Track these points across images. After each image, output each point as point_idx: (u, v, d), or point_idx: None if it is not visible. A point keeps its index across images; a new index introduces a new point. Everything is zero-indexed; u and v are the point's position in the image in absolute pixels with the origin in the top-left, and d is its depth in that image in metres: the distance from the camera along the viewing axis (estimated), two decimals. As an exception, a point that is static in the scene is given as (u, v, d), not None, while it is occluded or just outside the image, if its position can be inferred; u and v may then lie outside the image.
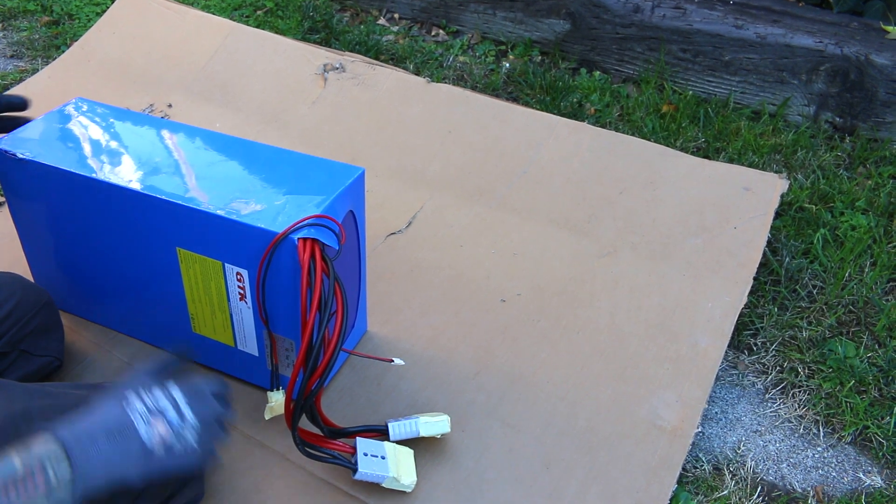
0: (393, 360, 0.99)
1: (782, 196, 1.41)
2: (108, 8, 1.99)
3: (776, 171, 1.53)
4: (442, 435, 1.01)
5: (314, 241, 0.88)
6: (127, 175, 0.98)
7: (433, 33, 2.10)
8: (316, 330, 0.86)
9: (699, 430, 1.09)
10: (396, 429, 0.98)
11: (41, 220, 1.08)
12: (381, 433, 0.98)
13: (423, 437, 0.99)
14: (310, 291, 0.86)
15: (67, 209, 1.03)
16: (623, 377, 1.12)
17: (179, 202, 0.94)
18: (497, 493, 0.97)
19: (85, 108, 1.12)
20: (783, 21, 1.72)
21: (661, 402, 1.08)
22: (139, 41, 1.85)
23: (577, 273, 1.28)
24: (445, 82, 1.71)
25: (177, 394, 0.68)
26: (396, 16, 2.18)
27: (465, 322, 1.20)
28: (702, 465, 1.06)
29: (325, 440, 0.94)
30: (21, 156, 1.00)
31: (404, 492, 0.96)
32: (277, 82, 1.72)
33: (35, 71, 1.87)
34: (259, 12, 2.18)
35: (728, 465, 1.07)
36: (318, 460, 0.94)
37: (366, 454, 0.94)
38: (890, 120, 1.61)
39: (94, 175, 0.98)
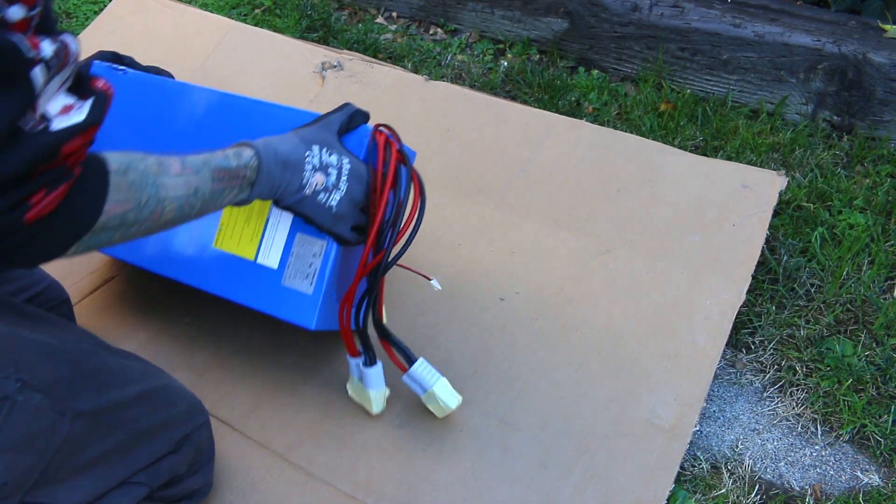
0: (431, 279, 1.03)
1: (780, 194, 1.41)
2: (105, 6, 1.99)
3: (774, 170, 1.53)
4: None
5: (388, 128, 0.93)
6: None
7: (431, 32, 2.10)
8: (389, 208, 0.90)
9: (697, 428, 1.09)
10: (421, 368, 1.00)
11: None
12: (410, 362, 1.01)
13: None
14: (385, 167, 0.90)
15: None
16: (621, 376, 1.12)
17: (241, 96, 0.98)
18: (494, 493, 0.97)
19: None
20: (781, 20, 1.72)
21: (659, 400, 1.08)
22: (137, 39, 1.85)
23: (575, 271, 1.28)
24: (443, 81, 1.70)
25: (346, 165, 0.87)
26: (395, 14, 2.17)
27: (463, 321, 1.20)
28: (700, 464, 1.06)
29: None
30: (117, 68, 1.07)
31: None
32: (275, 81, 1.72)
33: (32, 69, 1.87)
34: (257, 11, 2.18)
35: (726, 463, 1.07)
36: (389, 343, 0.99)
37: (421, 368, 0.98)
38: (888, 118, 1.61)
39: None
